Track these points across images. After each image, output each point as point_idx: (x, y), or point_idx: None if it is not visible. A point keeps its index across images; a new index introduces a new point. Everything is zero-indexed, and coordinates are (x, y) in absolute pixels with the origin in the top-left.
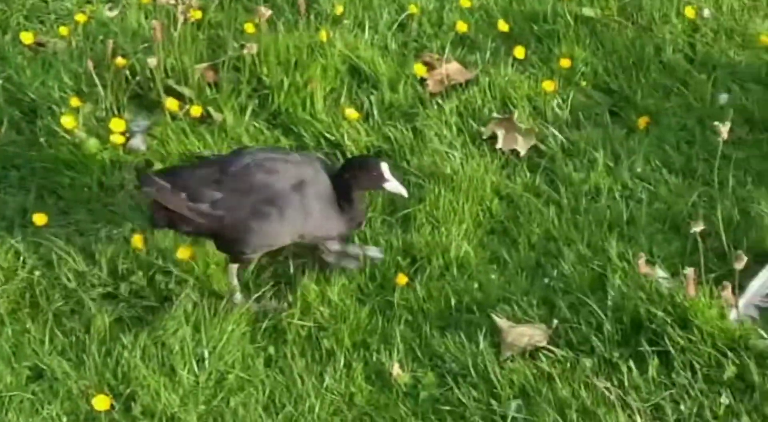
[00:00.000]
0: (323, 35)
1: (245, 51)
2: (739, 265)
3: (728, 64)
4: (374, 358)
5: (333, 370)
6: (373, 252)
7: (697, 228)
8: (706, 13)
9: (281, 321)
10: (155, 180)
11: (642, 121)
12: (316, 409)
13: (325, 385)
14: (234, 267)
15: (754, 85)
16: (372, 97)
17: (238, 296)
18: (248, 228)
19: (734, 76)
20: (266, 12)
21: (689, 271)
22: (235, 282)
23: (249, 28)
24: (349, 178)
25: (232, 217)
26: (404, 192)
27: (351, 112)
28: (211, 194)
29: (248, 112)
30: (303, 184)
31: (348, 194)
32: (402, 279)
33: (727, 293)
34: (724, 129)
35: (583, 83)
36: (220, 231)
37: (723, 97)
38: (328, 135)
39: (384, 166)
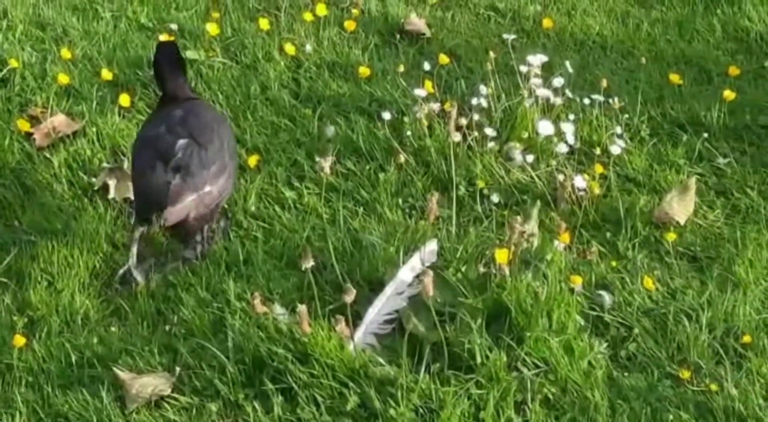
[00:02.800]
0: None
1: None
2: (349, 298)
3: (332, 97)
4: None
5: None
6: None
7: (308, 263)
8: (308, 48)
9: None
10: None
11: (253, 160)
12: None
13: None
14: None
15: (358, 116)
16: None
17: None
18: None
19: (339, 108)
20: None
21: (301, 308)
22: None
23: None
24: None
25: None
26: None
27: None
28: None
29: None
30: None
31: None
32: (19, 340)
33: (342, 326)
34: (326, 163)
35: None
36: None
37: (329, 130)
38: None
39: None
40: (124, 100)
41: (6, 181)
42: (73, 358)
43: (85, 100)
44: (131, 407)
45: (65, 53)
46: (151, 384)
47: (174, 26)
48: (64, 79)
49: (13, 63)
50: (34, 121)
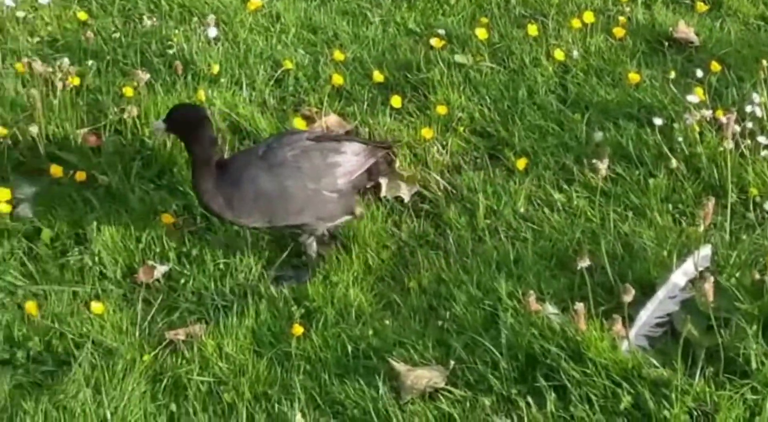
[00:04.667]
0: (201, 94)
1: (126, 114)
2: (627, 298)
3: (600, 103)
4: (276, 409)
5: None
6: None
7: (583, 263)
8: (575, 54)
9: (181, 378)
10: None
11: (521, 163)
12: None
13: None
14: None
15: (626, 122)
16: None
17: None
18: None
19: (607, 114)
20: (144, 75)
21: (578, 306)
22: None
23: (128, 91)
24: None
25: None
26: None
27: None
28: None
29: (133, 173)
30: None
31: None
32: (297, 329)
33: (618, 326)
34: (602, 166)
35: (461, 128)
36: None
37: (598, 135)
38: None
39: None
40: (396, 101)
41: None
42: (349, 348)
43: (356, 101)
44: (406, 398)
45: (338, 55)
46: (425, 376)
47: (441, 31)
48: (338, 79)
49: (287, 64)
50: (308, 120)
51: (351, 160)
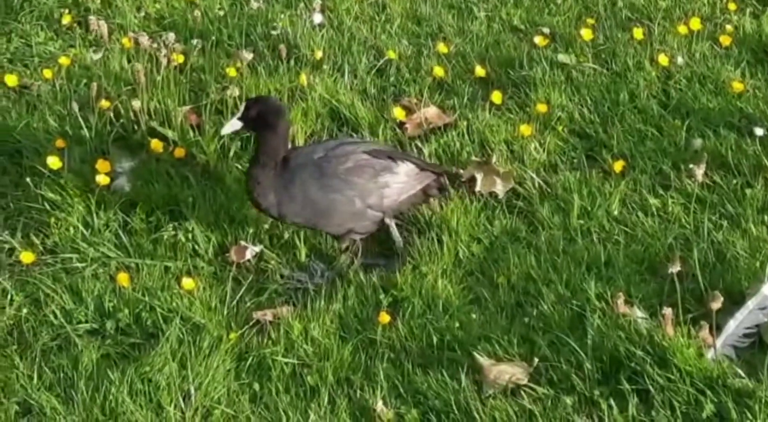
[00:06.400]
0: (303, 79)
1: (227, 94)
2: (716, 305)
3: (701, 110)
4: (358, 395)
5: (317, 406)
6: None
7: (675, 268)
8: (680, 60)
9: (265, 358)
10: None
11: (618, 165)
12: None
13: (309, 421)
14: None
15: (727, 131)
16: None
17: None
18: None
19: (707, 121)
20: (248, 55)
21: (667, 311)
22: None
23: (231, 71)
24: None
25: None
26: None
27: None
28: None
29: (231, 153)
30: None
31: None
32: (384, 317)
33: (705, 333)
34: (699, 171)
35: (560, 128)
36: None
37: (697, 143)
38: None
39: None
40: (497, 97)
41: None
42: (434, 340)
43: (456, 95)
44: (488, 392)
45: (442, 48)
46: (508, 372)
47: (546, 30)
48: (440, 72)
49: (390, 54)
50: (407, 110)
51: (402, 180)
